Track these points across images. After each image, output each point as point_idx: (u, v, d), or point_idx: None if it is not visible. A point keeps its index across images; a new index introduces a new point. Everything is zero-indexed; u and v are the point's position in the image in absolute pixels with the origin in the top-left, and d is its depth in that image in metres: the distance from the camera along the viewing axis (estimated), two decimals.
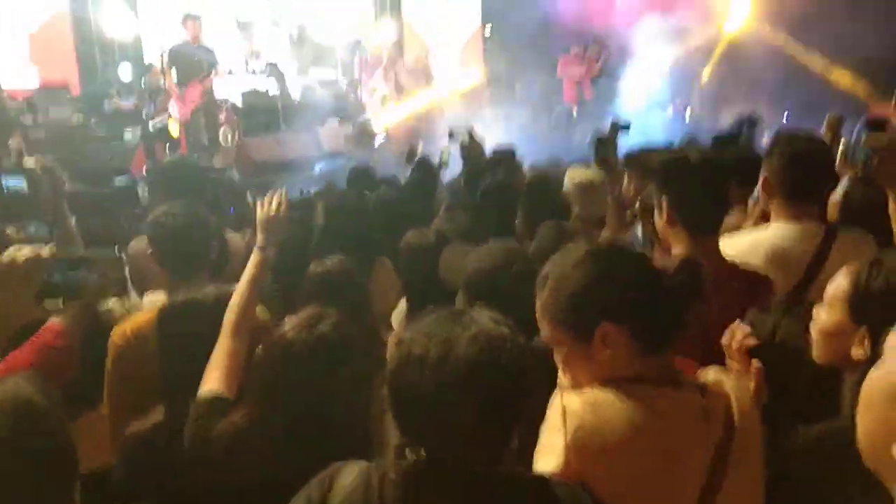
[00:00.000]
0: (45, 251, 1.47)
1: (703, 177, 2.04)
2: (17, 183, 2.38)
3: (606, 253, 1.36)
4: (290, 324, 1.61)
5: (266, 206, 2.12)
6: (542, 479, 1.19)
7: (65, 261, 1.52)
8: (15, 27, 8.99)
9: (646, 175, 3.02)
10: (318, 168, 7.78)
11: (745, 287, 1.97)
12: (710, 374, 1.39)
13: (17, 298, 1.46)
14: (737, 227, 2.52)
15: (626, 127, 3.46)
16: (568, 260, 1.33)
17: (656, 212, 2.07)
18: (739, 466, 1.30)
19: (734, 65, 10.11)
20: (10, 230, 2.52)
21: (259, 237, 2.09)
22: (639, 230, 2.76)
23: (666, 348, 1.32)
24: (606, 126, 3.58)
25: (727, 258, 2.02)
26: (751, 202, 2.84)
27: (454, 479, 1.12)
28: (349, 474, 1.18)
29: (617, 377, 1.29)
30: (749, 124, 5.30)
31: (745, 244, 2.19)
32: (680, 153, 2.36)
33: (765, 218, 2.43)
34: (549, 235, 2.39)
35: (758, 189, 2.39)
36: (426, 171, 4.27)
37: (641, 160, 3.09)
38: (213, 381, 1.75)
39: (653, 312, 1.28)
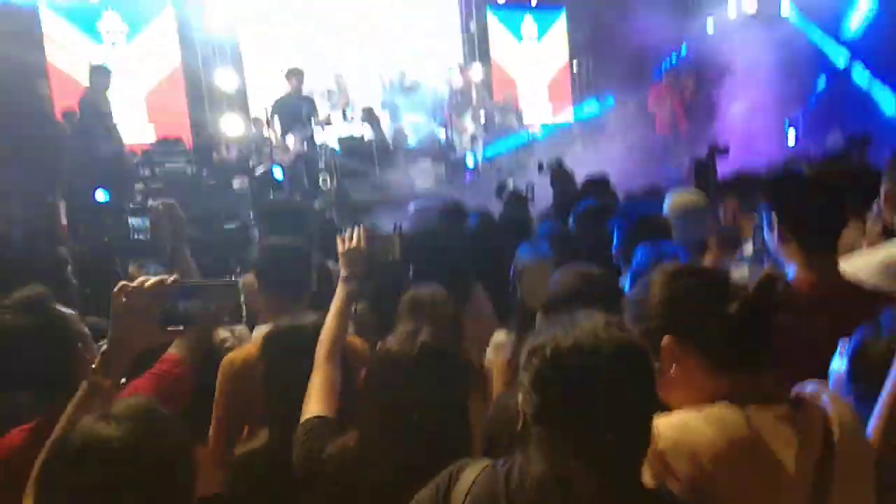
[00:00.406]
0: (169, 280, 1.58)
1: (816, 193, 1.96)
2: (141, 223, 2.57)
3: (678, 272, 1.37)
4: (390, 341, 1.65)
5: (347, 241, 2.24)
6: (669, 492, 1.17)
7: (186, 289, 1.62)
8: (134, 87, 9.84)
9: (745, 198, 2.91)
10: (411, 206, 7.94)
11: (864, 306, 1.85)
12: (808, 388, 1.33)
13: (141, 323, 1.56)
14: (853, 245, 2.39)
15: (725, 151, 3.37)
16: (646, 282, 1.37)
17: (768, 229, 1.99)
18: (846, 483, 1.22)
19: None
20: (132, 268, 2.72)
21: (342, 270, 2.21)
22: (747, 248, 2.65)
23: (748, 366, 1.29)
24: (703, 153, 3.49)
25: (847, 276, 1.92)
26: (869, 220, 2.68)
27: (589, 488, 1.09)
28: (474, 470, 1.22)
29: (704, 397, 1.27)
30: (860, 143, 5.01)
31: (866, 261, 2.08)
32: (790, 170, 2.26)
33: (886, 234, 2.29)
34: (646, 258, 2.33)
35: (877, 204, 2.26)
36: (517, 202, 4.29)
37: (741, 183, 2.98)
38: (314, 406, 1.81)
39: (717, 327, 1.27)
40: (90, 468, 1.16)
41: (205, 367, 2.19)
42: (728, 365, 1.29)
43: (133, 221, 2.64)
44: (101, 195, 6.69)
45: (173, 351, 2.05)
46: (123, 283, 1.55)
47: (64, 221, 6.65)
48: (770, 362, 1.31)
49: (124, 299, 1.53)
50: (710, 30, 11.39)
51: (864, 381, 1.41)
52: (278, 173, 7.32)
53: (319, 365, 1.89)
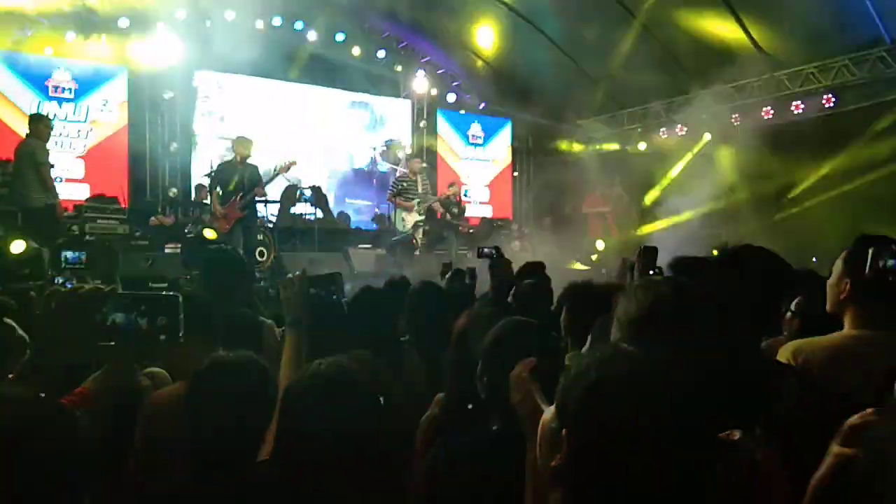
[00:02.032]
0: (106, 289, 1.53)
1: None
2: (75, 256, 2.51)
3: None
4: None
5: (288, 286, 2.26)
6: None
7: (122, 301, 1.54)
8: (75, 144, 9.69)
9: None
10: (347, 286, 7.93)
11: None
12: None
13: (73, 331, 1.49)
14: None
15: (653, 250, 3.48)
16: None
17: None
18: None
19: None
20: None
21: (286, 316, 2.23)
22: None
23: None
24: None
25: None
26: None
27: None
28: None
29: None
30: None
31: None
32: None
33: None
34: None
35: None
36: (460, 280, 4.38)
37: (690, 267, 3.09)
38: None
39: None
40: None
41: (119, 410, 2.10)
42: None
43: (67, 254, 2.57)
44: (17, 246, 6.34)
45: (86, 384, 1.96)
46: (55, 287, 1.50)
47: None
48: None
49: (54, 305, 1.47)
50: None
51: None
52: (210, 234, 7.17)
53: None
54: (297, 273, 2.31)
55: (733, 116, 10.79)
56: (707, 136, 11.14)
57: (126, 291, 1.57)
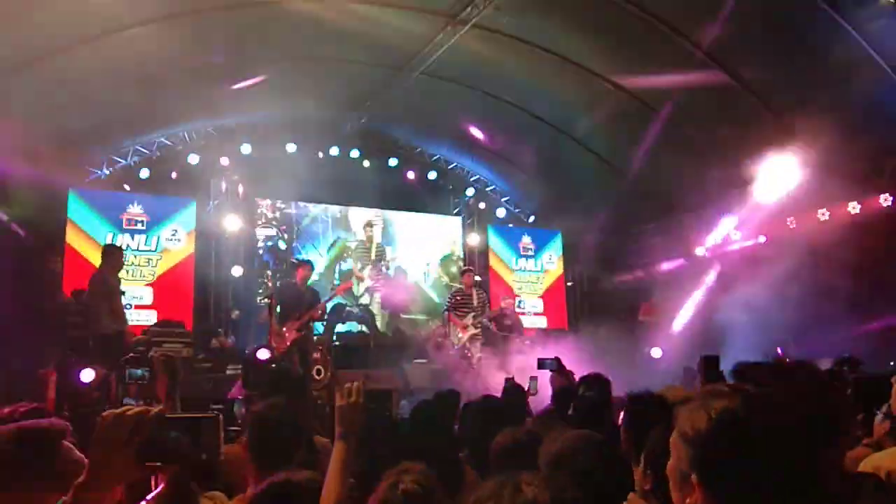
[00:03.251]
0: (153, 411, 1.54)
1: None
2: (139, 373, 2.59)
3: None
4: None
5: (344, 397, 2.21)
6: None
7: (167, 423, 1.57)
8: (145, 273, 10.19)
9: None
10: (403, 403, 7.88)
11: None
12: None
13: (120, 454, 1.50)
14: None
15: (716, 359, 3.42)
16: None
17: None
18: None
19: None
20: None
21: (338, 427, 2.16)
22: None
23: None
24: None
25: None
26: None
27: None
28: None
29: None
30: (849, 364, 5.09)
31: None
32: None
33: None
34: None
35: None
36: (515, 393, 4.30)
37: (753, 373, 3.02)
38: None
39: None
40: None
41: None
42: None
43: (131, 371, 2.66)
44: (87, 375, 6.55)
45: None
46: (108, 411, 1.53)
47: (52, 395, 6.53)
48: None
49: (105, 425, 1.50)
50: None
51: None
52: (263, 354, 7.31)
53: None
54: (356, 383, 2.29)
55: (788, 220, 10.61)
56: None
57: (170, 414, 1.61)
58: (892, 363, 7.34)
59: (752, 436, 1.18)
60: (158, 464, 1.54)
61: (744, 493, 1.16)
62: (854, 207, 9.81)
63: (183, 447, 1.54)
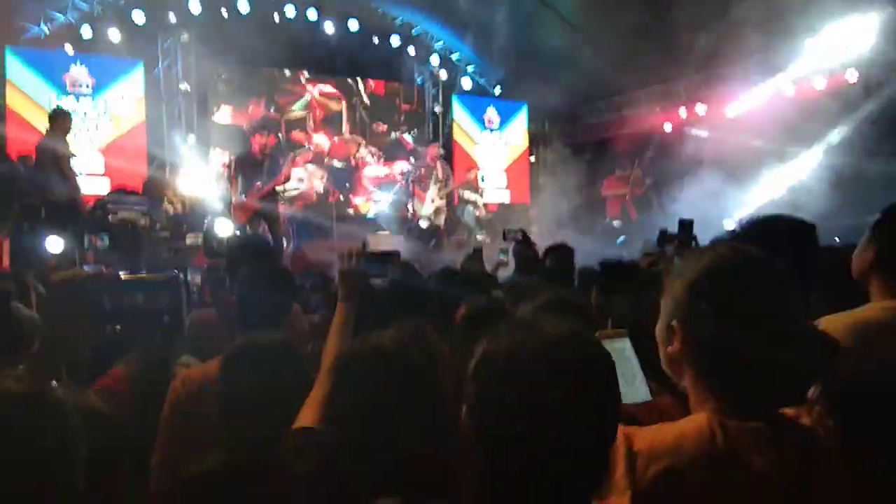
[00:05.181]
0: (107, 271, 1.50)
1: None
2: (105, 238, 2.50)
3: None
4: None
5: (346, 260, 2.23)
6: None
7: (125, 284, 1.53)
8: (94, 139, 9.76)
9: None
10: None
11: None
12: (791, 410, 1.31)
13: (77, 314, 1.46)
14: None
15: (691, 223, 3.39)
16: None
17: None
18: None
19: None
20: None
21: (340, 289, 2.20)
22: None
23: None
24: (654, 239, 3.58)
25: None
26: None
27: None
28: None
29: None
30: None
31: None
32: None
33: None
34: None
35: None
36: (480, 260, 4.35)
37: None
38: (310, 418, 1.74)
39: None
40: None
41: (150, 393, 2.09)
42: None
43: (94, 237, 2.56)
44: (53, 245, 6.31)
45: (120, 366, 1.96)
46: (57, 273, 1.47)
47: (6, 262, 6.37)
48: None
49: (52, 290, 1.45)
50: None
51: None
52: (223, 226, 7.23)
53: (321, 381, 1.84)
54: (357, 246, 2.30)
55: None
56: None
57: (128, 275, 1.57)
58: None
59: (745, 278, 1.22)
60: (118, 328, 1.51)
61: (721, 335, 1.20)
62: None
63: (140, 309, 1.51)
